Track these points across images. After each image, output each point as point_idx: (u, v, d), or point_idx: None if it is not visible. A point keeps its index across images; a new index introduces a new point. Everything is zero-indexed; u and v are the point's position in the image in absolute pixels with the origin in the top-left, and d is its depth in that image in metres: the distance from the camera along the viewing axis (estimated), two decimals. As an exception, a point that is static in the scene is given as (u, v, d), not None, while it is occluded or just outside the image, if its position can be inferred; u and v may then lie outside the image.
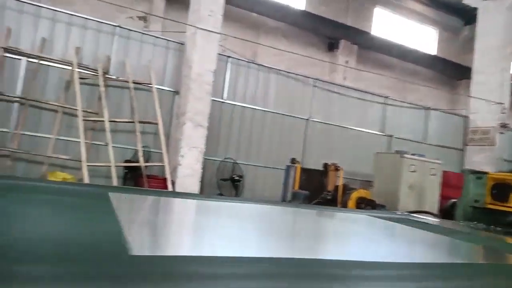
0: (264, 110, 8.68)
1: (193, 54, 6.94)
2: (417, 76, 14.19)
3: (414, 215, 3.54)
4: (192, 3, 7.19)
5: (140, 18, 11.03)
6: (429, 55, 14.27)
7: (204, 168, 7.24)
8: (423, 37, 14.78)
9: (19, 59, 6.34)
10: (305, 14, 11.95)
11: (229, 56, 8.25)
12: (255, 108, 8.56)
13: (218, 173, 8.00)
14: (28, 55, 6.34)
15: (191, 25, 7.06)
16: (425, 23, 14.87)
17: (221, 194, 7.64)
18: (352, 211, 4.01)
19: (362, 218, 2.69)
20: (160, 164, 6.91)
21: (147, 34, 7.52)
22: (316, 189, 6.79)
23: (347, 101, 9.64)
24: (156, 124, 6.92)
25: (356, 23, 12.92)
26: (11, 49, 6.18)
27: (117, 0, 8.23)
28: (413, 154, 8.02)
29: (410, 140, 10.24)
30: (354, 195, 6.34)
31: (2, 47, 6.10)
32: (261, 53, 11.01)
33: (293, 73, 9.09)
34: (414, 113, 10.67)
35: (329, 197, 6.44)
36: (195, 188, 7.10)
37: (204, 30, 6.88)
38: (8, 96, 6.26)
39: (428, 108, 10.91)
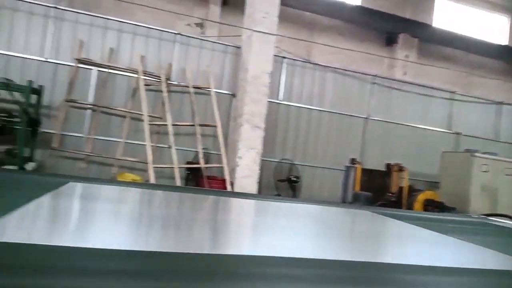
0: (321, 110, 8.55)
1: (249, 57, 7.03)
2: (483, 69, 13.13)
3: (492, 218, 3.27)
4: (247, 7, 7.29)
5: (197, 24, 11.40)
6: (499, 46, 13.14)
7: (261, 169, 7.30)
8: (491, 26, 13.65)
9: (91, 69, 6.85)
10: (362, 9, 11.57)
11: (284, 57, 8.25)
12: (311, 108, 8.47)
13: (275, 174, 8.03)
14: (98, 65, 6.83)
15: (246, 28, 7.15)
16: (495, 11, 13.73)
17: (278, 195, 7.65)
18: (421, 214, 3.81)
19: (432, 219, 2.53)
20: (219, 165, 7.08)
21: (205, 40, 7.76)
22: (378, 190, 6.55)
23: (408, 98, 9.19)
24: (215, 126, 7.11)
25: (415, 16, 12.26)
26: (84, 60, 6.70)
27: (175, 8, 8.62)
28: (484, 153, 7.44)
29: (480, 138, 9.50)
30: (421, 197, 6.02)
31: (76, 59, 6.63)
32: (315, 53, 10.86)
33: (351, 71, 8.86)
34: (483, 109, 9.89)
35: (393, 199, 6.17)
36: (253, 188, 7.18)
37: (259, 33, 6.94)
38: (82, 103, 6.78)
39: (500, 103, 10.05)
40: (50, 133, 6.58)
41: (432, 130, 9.27)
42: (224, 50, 7.74)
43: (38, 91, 6.21)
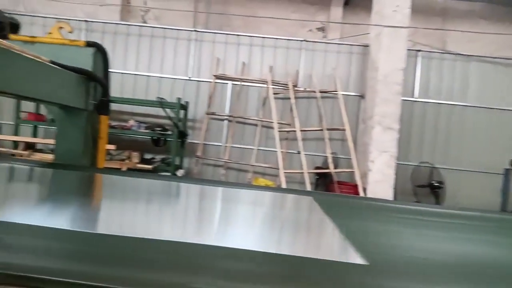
0: (464, 105, 7.56)
1: (379, 55, 6.67)
2: None
3: None
4: (374, 3, 6.96)
5: (318, 29, 11.42)
6: None
7: (396, 173, 6.81)
8: None
9: (226, 83, 7.47)
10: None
11: (419, 50, 7.59)
12: (452, 104, 7.56)
13: (413, 178, 7.39)
14: (233, 79, 7.40)
15: (376, 25, 6.81)
16: None
17: (417, 202, 7.01)
18: None
19: None
20: (349, 170, 6.88)
21: (331, 43, 7.69)
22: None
23: None
24: (344, 130, 6.94)
25: None
26: (220, 76, 7.35)
27: (298, 17, 8.78)
28: None
29: None
30: None
31: (213, 75, 7.32)
32: (451, 42, 9.70)
33: (502, 58, 7.61)
34: None
35: None
36: (387, 194, 6.74)
37: (390, 28, 6.53)
38: (220, 115, 7.43)
39: None
40: (195, 143, 7.39)
41: None
42: (350, 51, 7.53)
43: (185, 107, 7.06)
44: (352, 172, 6.77)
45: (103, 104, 2.54)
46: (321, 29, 11.39)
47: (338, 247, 1.08)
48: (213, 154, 7.48)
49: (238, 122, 7.45)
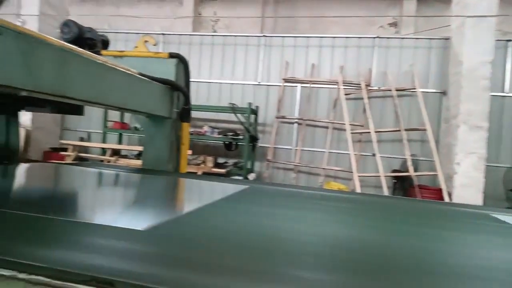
0: None
1: (463, 47, 6.12)
2: None
3: None
4: (455, -8, 6.42)
5: (390, 25, 10.87)
6: None
7: (485, 176, 6.17)
8: None
9: (295, 86, 7.42)
10: None
11: (509, 40, 6.82)
12: (554, 98, 6.66)
13: (505, 182, 6.64)
14: (302, 82, 7.32)
15: (459, 16, 6.27)
16: None
17: (510, 208, 6.27)
18: None
19: None
20: (431, 173, 6.39)
21: (407, 38, 7.25)
22: None
23: None
24: (424, 130, 6.48)
25: None
26: (289, 79, 7.32)
27: (367, 13, 8.43)
28: None
29: None
30: None
31: (283, 79, 7.32)
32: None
33: None
34: None
35: None
36: (476, 199, 6.14)
37: (474, 17, 5.96)
38: (289, 118, 7.40)
39: None
40: (265, 147, 7.45)
41: None
42: (428, 46, 7.01)
43: (255, 111, 7.15)
44: (434, 175, 6.28)
45: (185, 112, 2.65)
46: (393, 25, 10.82)
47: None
48: (284, 157, 7.47)
49: (308, 125, 7.34)
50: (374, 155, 6.69)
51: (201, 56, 7.88)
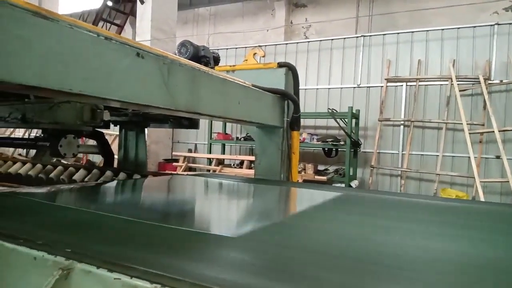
0: None
1: None
2: None
3: None
4: None
5: (506, 9, 9.55)
6: None
7: None
8: None
9: (400, 85, 6.92)
10: None
11: None
12: None
13: None
14: (407, 80, 6.81)
15: None
16: None
17: None
18: None
19: None
20: None
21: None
22: None
23: None
24: None
25: None
26: (392, 79, 6.87)
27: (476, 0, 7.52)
28: None
29: None
30: None
31: (385, 79, 6.90)
32: None
33: None
34: None
35: None
36: None
37: None
38: (394, 120, 6.92)
39: None
40: (368, 152, 7.08)
41: None
42: None
43: (356, 115, 6.86)
44: None
45: (295, 120, 2.63)
46: (511, 9, 9.50)
47: None
48: (389, 163, 7.00)
49: (416, 126, 6.77)
50: (498, 157, 5.86)
51: (297, 64, 7.83)
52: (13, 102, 1.86)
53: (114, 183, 2.20)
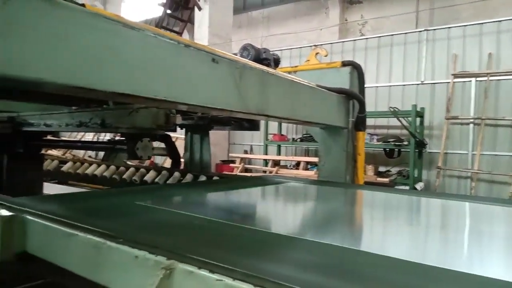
0: None
1: None
2: None
3: None
4: None
5: None
6: None
7: None
8: None
9: (468, 81, 6.45)
10: None
11: None
12: None
13: None
14: (476, 75, 6.32)
15: None
16: None
17: None
18: None
19: None
20: None
21: None
22: None
23: None
24: None
25: None
26: (460, 74, 6.42)
27: None
28: None
29: None
30: None
31: (452, 74, 6.47)
32: None
33: None
34: None
35: None
36: None
37: None
38: (463, 118, 6.46)
39: None
40: (434, 152, 6.68)
41: None
42: None
43: (420, 114, 6.51)
44: None
45: (360, 121, 2.54)
46: None
47: None
48: (458, 164, 6.54)
49: (487, 124, 6.25)
50: None
51: (355, 62, 7.66)
52: (95, 108, 2.00)
53: (201, 183, 2.23)
